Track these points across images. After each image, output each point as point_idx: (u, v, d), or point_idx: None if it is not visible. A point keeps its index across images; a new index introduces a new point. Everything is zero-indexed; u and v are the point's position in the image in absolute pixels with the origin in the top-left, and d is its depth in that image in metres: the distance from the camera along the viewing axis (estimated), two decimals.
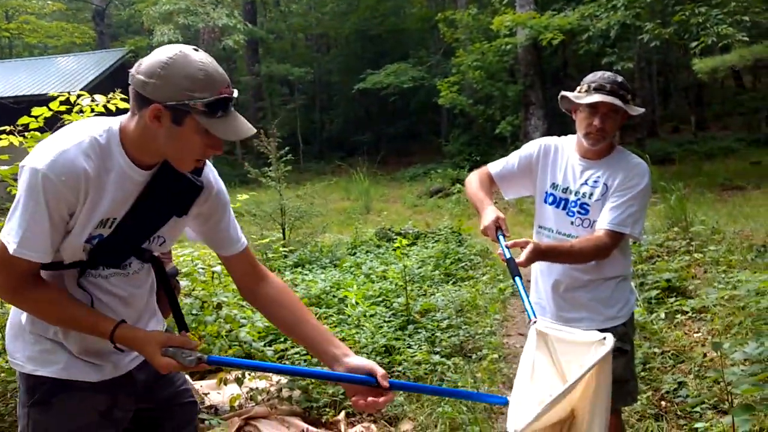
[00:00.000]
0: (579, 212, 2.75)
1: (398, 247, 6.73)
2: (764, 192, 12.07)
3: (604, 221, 2.67)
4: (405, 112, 26.27)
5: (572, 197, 2.79)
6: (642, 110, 2.84)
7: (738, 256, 6.67)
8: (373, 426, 4.36)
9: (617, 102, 2.65)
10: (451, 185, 16.22)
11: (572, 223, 2.77)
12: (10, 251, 1.61)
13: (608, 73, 2.77)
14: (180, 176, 1.80)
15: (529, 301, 2.34)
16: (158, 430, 2.01)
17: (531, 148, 2.93)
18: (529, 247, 2.45)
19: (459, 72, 18.85)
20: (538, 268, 2.89)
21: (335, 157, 24.40)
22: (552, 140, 2.93)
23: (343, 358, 1.84)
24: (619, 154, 2.81)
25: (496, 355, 5.37)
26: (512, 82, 18.93)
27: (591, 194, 2.75)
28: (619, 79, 2.73)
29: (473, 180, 2.95)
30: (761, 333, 3.35)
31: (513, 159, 2.96)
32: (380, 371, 1.80)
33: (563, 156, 2.85)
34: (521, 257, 2.43)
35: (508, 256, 2.45)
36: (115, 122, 1.75)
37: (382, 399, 1.77)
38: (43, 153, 1.63)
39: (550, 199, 2.84)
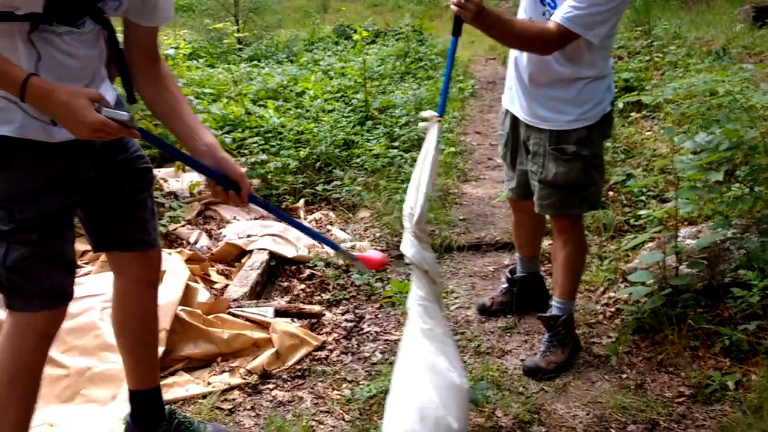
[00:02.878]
0: (550, 4, 2.60)
1: (357, 42, 6.54)
2: (728, 0, 11.88)
3: (558, 14, 2.47)
4: None
5: None
6: None
7: (696, 60, 6.68)
8: (331, 213, 4.50)
9: None
10: None
11: (543, 14, 2.60)
12: None
13: None
14: None
15: (447, 91, 2.42)
16: (116, 195, 2.00)
17: None
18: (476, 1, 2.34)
19: None
20: (515, 58, 2.76)
21: None
22: None
23: (215, 152, 1.88)
24: None
25: (453, 149, 5.46)
26: None
27: None
28: None
29: None
30: (712, 124, 3.43)
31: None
32: (245, 186, 1.89)
33: None
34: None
35: (455, 9, 2.38)
36: None
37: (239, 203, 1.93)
38: None
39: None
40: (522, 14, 2.68)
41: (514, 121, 2.83)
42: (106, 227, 2.03)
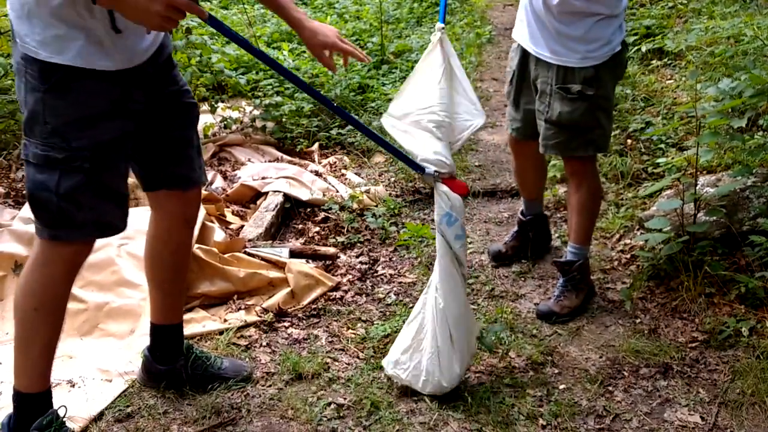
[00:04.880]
0: None
1: None
2: None
3: None
4: None
5: None
6: None
7: (721, 8, 6.50)
8: (346, 157, 4.47)
9: None
10: None
11: None
12: None
13: None
14: None
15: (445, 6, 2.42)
16: (166, 130, 2.00)
17: None
18: None
19: None
20: None
21: None
22: None
23: (304, 21, 2.11)
24: None
25: None
26: None
27: None
28: None
29: None
30: (739, 69, 3.35)
31: None
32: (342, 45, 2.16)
33: None
34: None
35: None
36: None
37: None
38: None
39: None
40: None
41: (524, 56, 2.78)
42: (155, 164, 2.03)
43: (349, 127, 4.65)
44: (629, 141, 4.13)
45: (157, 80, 1.93)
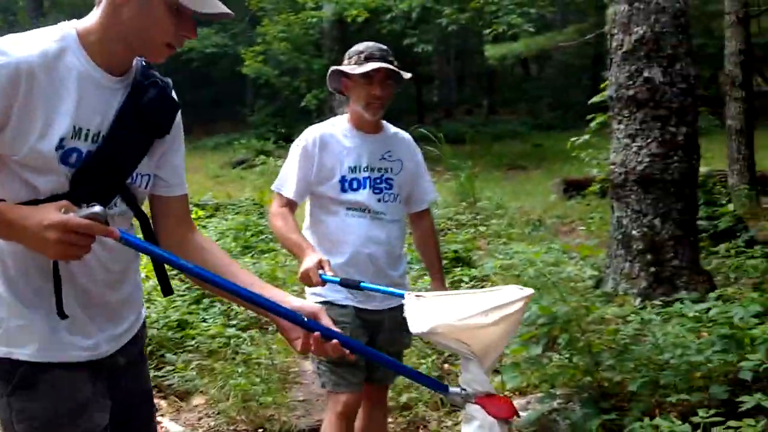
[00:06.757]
0: (386, 188, 2.76)
1: (196, 219, 6.52)
2: (543, 172, 13.26)
3: (426, 198, 2.96)
4: (209, 80, 25.40)
5: (375, 174, 2.75)
6: (410, 75, 2.78)
7: (517, 230, 7.27)
8: (162, 402, 4.21)
9: (392, 66, 2.67)
10: (256, 156, 15.97)
11: (379, 200, 2.75)
12: None
13: (372, 42, 2.77)
14: (157, 90, 1.65)
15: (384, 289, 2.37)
16: (126, 426, 1.74)
17: (307, 147, 2.74)
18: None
19: (264, 42, 18.55)
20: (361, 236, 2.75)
21: None
22: (321, 128, 2.80)
23: (284, 298, 1.64)
24: (391, 128, 2.89)
25: None
26: (318, 56, 18.98)
27: (391, 168, 2.79)
28: (384, 46, 2.75)
29: (277, 221, 2.71)
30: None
31: (302, 168, 2.72)
32: (325, 320, 1.62)
33: (343, 138, 2.76)
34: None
35: (337, 279, 2.42)
36: (68, 25, 1.56)
37: (328, 345, 1.58)
38: None
39: (355, 184, 2.73)
40: (355, 206, 2.81)
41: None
42: None
43: (168, 367, 4.44)
44: (445, 365, 4.28)
45: (125, 372, 1.72)
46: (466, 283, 5.74)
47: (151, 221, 1.74)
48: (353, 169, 2.73)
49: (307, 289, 2.72)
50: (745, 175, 8.23)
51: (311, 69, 18.45)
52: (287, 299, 1.63)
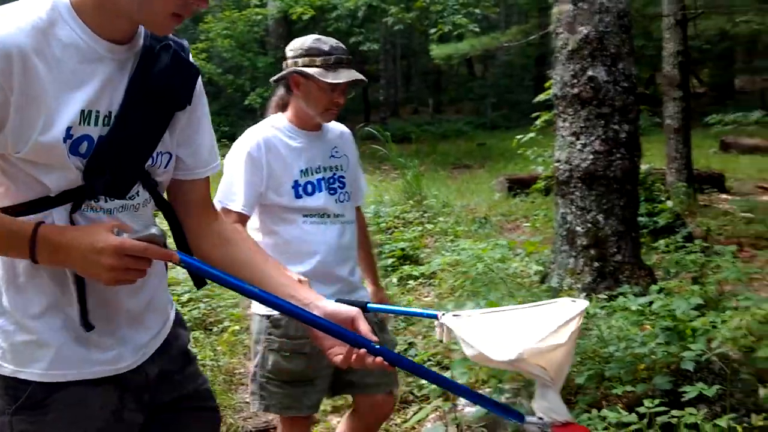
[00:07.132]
0: (339, 187, 2.61)
1: None
2: (487, 170, 13.39)
3: (362, 192, 2.80)
4: None
5: (327, 174, 2.59)
6: (367, 80, 2.64)
7: (464, 227, 7.31)
8: None
9: (361, 76, 2.54)
10: None
11: (336, 201, 2.58)
12: None
13: (332, 39, 2.59)
14: (170, 55, 1.44)
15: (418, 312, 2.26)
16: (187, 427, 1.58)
17: (252, 153, 2.49)
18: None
19: (208, 39, 18.26)
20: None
21: None
22: (262, 131, 2.56)
23: (317, 301, 1.48)
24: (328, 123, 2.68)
25: (237, 327, 5.30)
26: (263, 54, 18.79)
27: (341, 166, 2.65)
28: (342, 44, 2.59)
29: None
30: (478, 294, 3.69)
31: (250, 176, 2.47)
32: (364, 326, 1.45)
33: (288, 139, 2.57)
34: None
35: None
36: None
37: (371, 359, 1.42)
38: None
39: (309, 188, 2.54)
40: (313, 212, 2.62)
41: None
42: None
43: None
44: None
45: (165, 376, 1.56)
46: (416, 280, 5.75)
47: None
48: (305, 172, 2.52)
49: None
50: (682, 173, 8.46)
51: (255, 67, 18.25)
52: (321, 303, 1.47)
